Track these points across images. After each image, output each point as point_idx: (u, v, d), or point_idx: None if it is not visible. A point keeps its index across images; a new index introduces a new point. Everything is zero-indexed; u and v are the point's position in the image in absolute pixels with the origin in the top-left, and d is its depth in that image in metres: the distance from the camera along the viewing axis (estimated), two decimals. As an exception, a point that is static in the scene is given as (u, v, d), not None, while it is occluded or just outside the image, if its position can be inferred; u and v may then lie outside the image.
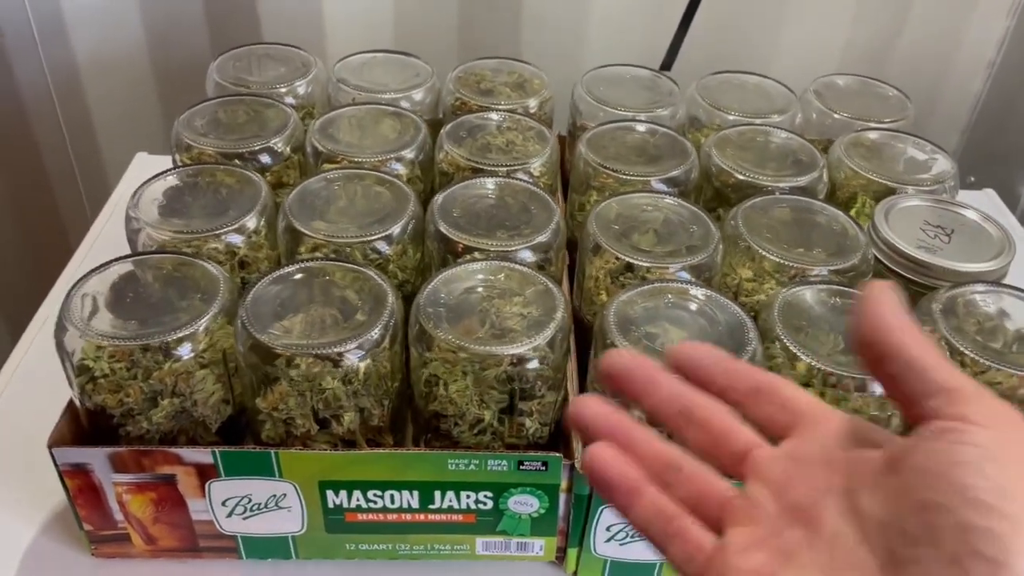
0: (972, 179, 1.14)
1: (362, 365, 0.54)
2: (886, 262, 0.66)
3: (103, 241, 0.86)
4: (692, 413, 0.32)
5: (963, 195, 0.77)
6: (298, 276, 0.58)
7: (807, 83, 0.91)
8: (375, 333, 0.54)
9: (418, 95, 0.82)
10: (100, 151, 1.17)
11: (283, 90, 0.81)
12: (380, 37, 1.08)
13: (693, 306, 0.58)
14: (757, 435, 0.32)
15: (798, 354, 0.54)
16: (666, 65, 1.10)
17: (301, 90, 0.82)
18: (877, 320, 0.29)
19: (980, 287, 0.61)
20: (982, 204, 0.98)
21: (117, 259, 0.58)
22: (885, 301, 0.29)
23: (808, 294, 0.59)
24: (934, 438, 0.26)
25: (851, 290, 0.60)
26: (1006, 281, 0.65)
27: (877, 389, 0.53)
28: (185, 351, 0.54)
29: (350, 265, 0.59)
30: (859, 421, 0.30)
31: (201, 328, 0.54)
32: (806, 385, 0.55)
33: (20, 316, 0.82)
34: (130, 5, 1.06)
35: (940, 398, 0.27)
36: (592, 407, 0.32)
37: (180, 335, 0.53)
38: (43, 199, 1.18)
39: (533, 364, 0.54)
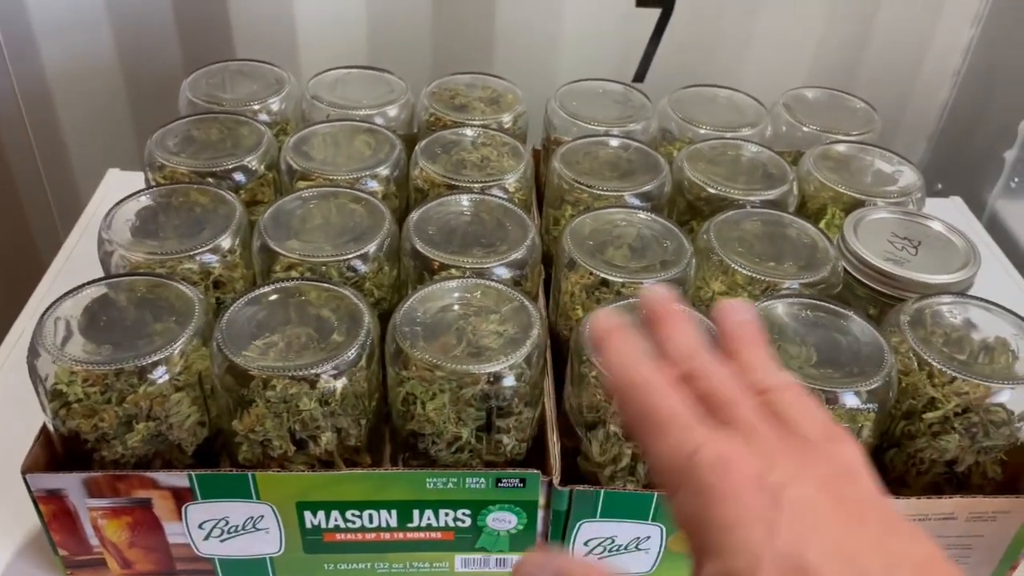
0: (939, 187, 1.16)
1: (339, 385, 0.54)
2: (855, 274, 0.67)
3: (75, 260, 0.86)
4: None
5: (930, 203, 0.78)
6: (274, 296, 0.58)
7: (777, 95, 0.92)
8: (351, 353, 0.54)
9: (392, 111, 0.82)
10: (71, 167, 1.15)
11: (257, 107, 0.81)
12: (354, 51, 1.08)
13: (667, 322, 0.58)
14: None
15: (770, 367, 0.55)
16: (638, 77, 1.11)
17: (275, 107, 0.82)
18: None
19: (946, 298, 0.62)
20: (949, 212, 1.00)
21: (90, 282, 0.58)
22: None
23: (780, 307, 0.60)
24: None
25: (822, 303, 0.61)
26: (972, 292, 0.66)
27: (848, 401, 0.54)
28: (160, 374, 0.53)
29: (326, 284, 0.59)
30: None
31: (176, 351, 0.54)
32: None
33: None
34: (101, 19, 1.05)
35: None
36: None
37: (155, 358, 0.53)
38: (13, 215, 1.16)
39: (510, 381, 0.54)
